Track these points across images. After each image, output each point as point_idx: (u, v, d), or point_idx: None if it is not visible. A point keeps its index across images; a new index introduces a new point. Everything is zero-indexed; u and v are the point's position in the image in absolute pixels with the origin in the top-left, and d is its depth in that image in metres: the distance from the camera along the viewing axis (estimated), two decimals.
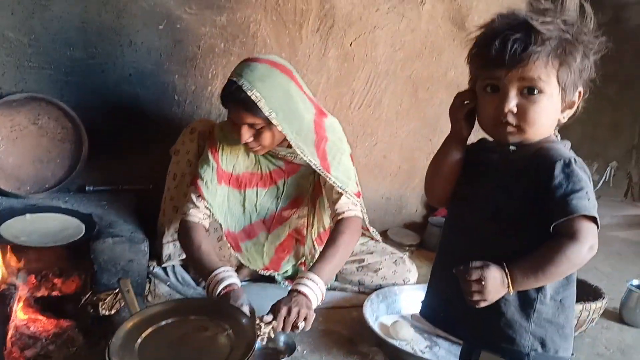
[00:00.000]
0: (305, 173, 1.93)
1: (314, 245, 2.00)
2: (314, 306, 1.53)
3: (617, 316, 2.08)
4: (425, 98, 2.76)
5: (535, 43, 0.97)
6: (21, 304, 1.55)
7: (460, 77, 2.71)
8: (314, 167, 1.76)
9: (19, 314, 1.52)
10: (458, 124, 1.12)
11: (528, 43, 0.97)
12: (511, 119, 1.02)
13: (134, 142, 2.10)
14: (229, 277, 1.54)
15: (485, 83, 1.05)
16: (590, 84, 1.06)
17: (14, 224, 1.66)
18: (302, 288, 1.53)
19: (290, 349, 1.53)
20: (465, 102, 1.10)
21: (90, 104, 1.99)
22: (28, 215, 1.72)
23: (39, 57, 1.90)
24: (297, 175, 1.94)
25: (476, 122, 1.12)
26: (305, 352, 1.60)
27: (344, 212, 1.80)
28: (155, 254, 1.92)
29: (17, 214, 1.71)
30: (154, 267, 1.90)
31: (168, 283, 1.87)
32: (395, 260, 2.07)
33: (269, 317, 1.44)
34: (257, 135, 1.67)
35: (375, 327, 1.69)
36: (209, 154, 1.80)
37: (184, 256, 1.91)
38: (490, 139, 1.13)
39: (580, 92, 1.06)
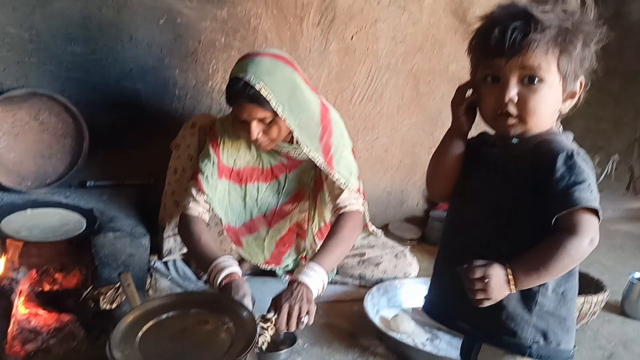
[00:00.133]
0: (307, 167, 1.92)
1: (314, 240, 2.00)
2: (315, 296, 1.52)
3: (618, 309, 2.08)
4: (426, 92, 2.75)
5: (535, 31, 0.96)
6: (22, 298, 1.56)
7: (462, 70, 2.70)
8: (317, 163, 1.76)
9: (20, 309, 1.52)
10: (459, 118, 1.10)
11: (527, 31, 0.96)
12: (512, 108, 1.00)
13: (134, 137, 2.10)
14: (229, 265, 1.54)
15: (485, 73, 1.04)
16: (592, 75, 1.05)
17: (15, 219, 1.67)
18: (302, 278, 1.52)
19: (291, 340, 1.53)
20: (467, 95, 1.09)
21: (91, 99, 1.99)
22: (29, 210, 1.72)
23: (40, 52, 1.89)
24: (299, 169, 1.93)
25: (477, 116, 1.11)
26: (306, 345, 1.60)
27: (345, 206, 1.80)
28: (156, 248, 1.92)
29: (18, 209, 1.71)
30: (154, 262, 1.91)
31: (169, 277, 1.88)
32: (396, 254, 2.06)
33: (270, 315, 1.44)
34: (267, 129, 1.66)
35: (376, 321, 1.69)
36: (210, 148, 1.80)
37: (184, 250, 1.91)
38: (491, 132, 1.12)
39: (581, 82, 1.05)
